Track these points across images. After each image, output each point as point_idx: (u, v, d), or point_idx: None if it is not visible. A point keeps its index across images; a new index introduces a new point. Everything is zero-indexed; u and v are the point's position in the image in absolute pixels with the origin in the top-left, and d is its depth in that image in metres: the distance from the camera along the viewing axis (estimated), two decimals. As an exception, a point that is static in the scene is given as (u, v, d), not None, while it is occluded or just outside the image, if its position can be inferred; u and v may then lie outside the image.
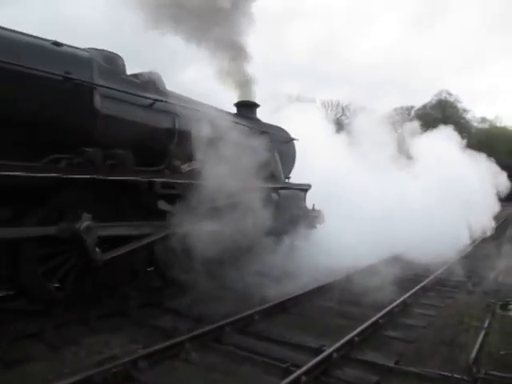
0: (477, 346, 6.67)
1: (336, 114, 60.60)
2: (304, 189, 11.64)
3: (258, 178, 8.60)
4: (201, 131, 7.83)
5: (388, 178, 15.88)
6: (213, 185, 7.48)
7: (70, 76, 6.31)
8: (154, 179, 7.28)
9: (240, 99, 11.29)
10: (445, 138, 20.66)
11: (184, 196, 7.56)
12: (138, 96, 7.57)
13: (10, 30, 6.06)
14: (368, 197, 13.58)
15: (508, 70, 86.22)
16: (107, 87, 6.93)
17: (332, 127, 19.11)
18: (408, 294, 9.19)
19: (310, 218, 11.47)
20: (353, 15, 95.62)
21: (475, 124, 71.14)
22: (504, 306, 9.06)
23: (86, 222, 6.05)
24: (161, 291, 8.65)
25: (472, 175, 19.90)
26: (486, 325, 7.81)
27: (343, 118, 56.23)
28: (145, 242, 7.36)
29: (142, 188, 7.18)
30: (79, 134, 6.63)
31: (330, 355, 5.80)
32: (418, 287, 9.94)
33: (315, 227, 11.58)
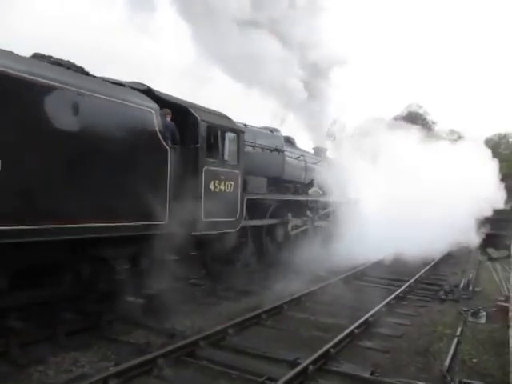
0: (450, 355, 6.75)
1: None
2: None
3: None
4: (320, 169, 15.46)
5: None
6: (325, 200, 15.21)
7: (277, 148, 12.93)
8: (308, 198, 14.47)
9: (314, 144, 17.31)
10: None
11: (314, 207, 14.82)
12: (295, 152, 14.57)
13: (251, 126, 12.18)
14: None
15: (474, 83, 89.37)
16: (287, 151, 13.73)
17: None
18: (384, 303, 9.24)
19: None
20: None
21: (444, 136, 73.02)
22: (475, 314, 9.21)
23: (290, 217, 12.99)
24: (133, 305, 8.44)
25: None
26: (458, 333, 7.93)
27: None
28: (299, 230, 13.67)
29: (302, 202, 14.09)
30: (280, 175, 13.30)
31: (306, 368, 5.75)
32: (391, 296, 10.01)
33: None
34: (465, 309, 9.54)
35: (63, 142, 5.94)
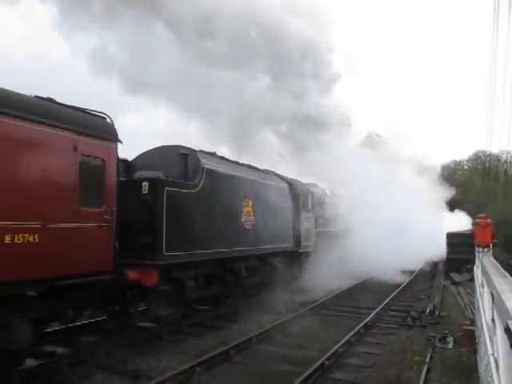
0: (421, 383, 6.70)
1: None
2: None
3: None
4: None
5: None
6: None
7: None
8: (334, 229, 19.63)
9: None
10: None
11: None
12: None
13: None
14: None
15: (430, 113, 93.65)
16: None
17: None
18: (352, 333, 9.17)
19: None
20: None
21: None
22: (443, 339, 9.26)
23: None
24: (94, 346, 8.05)
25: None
26: (427, 359, 7.92)
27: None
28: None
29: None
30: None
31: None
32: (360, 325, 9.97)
33: None
34: (432, 334, 9.59)
35: (259, 206, 12.62)
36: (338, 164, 17.07)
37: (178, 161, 9.77)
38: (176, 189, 9.14)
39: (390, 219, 18.62)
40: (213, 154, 11.51)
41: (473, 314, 11.05)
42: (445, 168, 62.87)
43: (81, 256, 6.81)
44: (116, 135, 7.82)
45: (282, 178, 15.13)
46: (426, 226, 24.68)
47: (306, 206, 16.31)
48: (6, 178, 5.86)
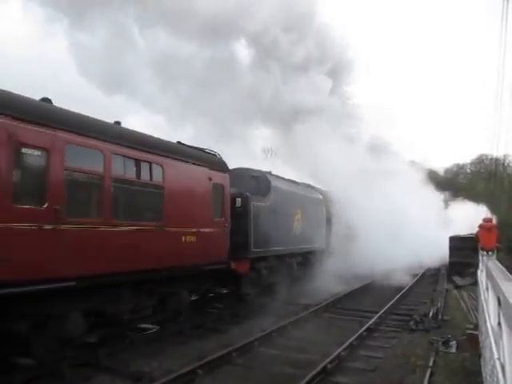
0: (424, 387, 6.66)
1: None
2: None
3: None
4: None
5: None
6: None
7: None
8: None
9: None
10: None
11: None
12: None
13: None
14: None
15: (433, 116, 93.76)
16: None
17: None
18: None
19: None
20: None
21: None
22: (446, 343, 9.21)
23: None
24: (97, 348, 8.01)
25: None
26: (430, 363, 7.86)
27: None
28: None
29: None
30: None
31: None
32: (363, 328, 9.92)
33: None
34: (435, 338, 9.54)
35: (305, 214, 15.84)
36: (335, 163, 17.16)
37: (252, 180, 13.12)
38: (258, 203, 12.44)
39: (390, 222, 19.46)
40: (277, 175, 14.77)
41: (476, 318, 10.99)
42: (447, 171, 62.98)
43: (213, 251, 10.14)
44: (227, 167, 11.12)
45: (316, 189, 18.16)
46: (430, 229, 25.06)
47: (331, 212, 18.87)
48: (184, 203, 9.21)
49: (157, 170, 8.48)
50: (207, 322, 10.51)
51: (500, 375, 3.29)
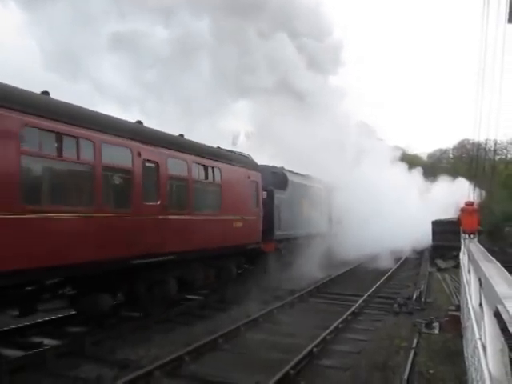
0: (408, 368, 6.78)
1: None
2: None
3: None
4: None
5: None
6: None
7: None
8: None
9: None
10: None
11: None
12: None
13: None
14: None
15: (415, 102, 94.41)
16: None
17: None
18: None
19: None
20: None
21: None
22: (429, 325, 9.37)
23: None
24: (82, 336, 7.97)
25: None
26: (414, 345, 8.01)
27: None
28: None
29: None
30: None
31: (267, 392, 5.59)
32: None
33: None
34: (419, 320, 9.70)
35: (311, 203, 18.89)
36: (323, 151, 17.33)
37: (272, 176, 15.50)
38: (279, 195, 15.19)
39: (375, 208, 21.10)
40: (291, 171, 17.20)
41: (458, 299, 11.21)
42: (431, 156, 63.61)
43: (252, 234, 12.97)
44: (258, 168, 13.74)
45: (319, 181, 20.09)
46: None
47: (329, 200, 20.84)
48: (234, 197, 11.76)
49: (217, 172, 11.15)
50: (193, 309, 10.54)
51: (481, 355, 3.35)
